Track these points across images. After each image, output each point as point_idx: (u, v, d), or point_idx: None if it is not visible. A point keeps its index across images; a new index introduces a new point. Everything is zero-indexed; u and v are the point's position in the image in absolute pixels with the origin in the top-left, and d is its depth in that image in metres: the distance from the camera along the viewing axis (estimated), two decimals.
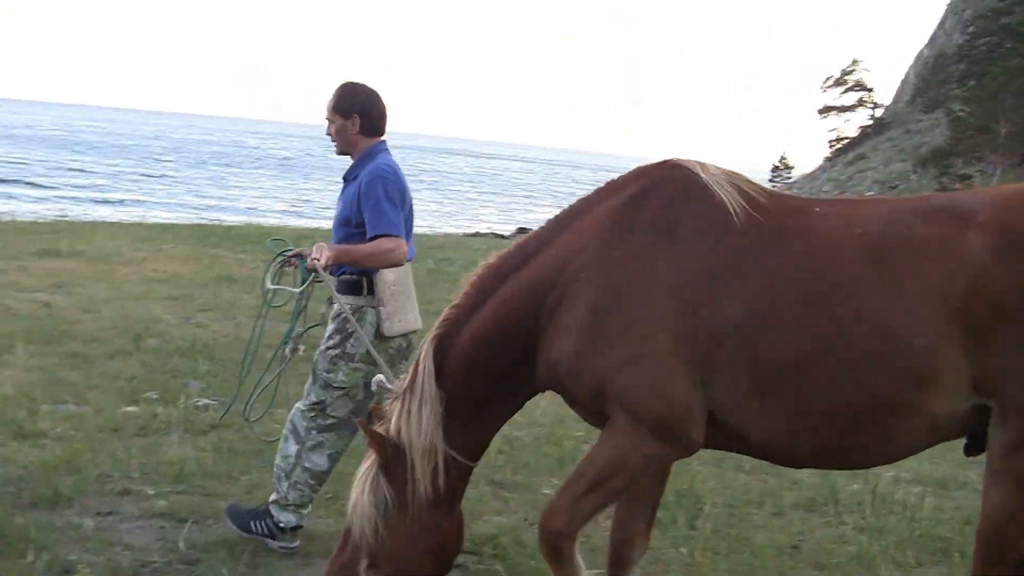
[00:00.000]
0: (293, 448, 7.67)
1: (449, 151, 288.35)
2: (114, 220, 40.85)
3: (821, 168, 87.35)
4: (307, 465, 7.64)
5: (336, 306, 7.56)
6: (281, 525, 7.67)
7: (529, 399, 6.22)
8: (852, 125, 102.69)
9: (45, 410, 10.78)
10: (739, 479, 9.88)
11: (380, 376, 6.81)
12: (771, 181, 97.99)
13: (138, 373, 12.66)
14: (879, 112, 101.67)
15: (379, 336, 7.50)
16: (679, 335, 5.45)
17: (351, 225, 7.54)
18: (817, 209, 5.75)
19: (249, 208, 65.06)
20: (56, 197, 58.82)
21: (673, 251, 5.58)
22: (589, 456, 5.88)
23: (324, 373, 7.56)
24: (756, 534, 8.44)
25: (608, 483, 5.74)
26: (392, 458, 6.05)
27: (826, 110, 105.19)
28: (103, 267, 21.80)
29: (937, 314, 5.22)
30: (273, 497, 7.74)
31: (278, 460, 7.78)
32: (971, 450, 5.69)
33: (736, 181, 5.79)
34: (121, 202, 59.83)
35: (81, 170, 79.91)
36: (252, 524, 7.72)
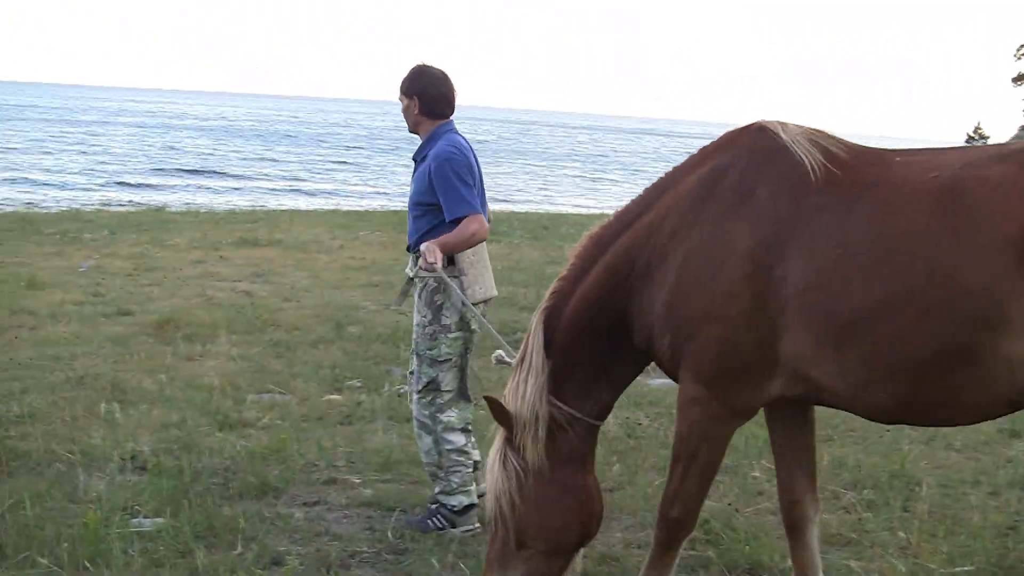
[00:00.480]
0: (428, 440, 7.82)
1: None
2: (309, 208, 41.42)
3: (1015, 137, 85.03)
4: (448, 448, 7.77)
5: (418, 282, 7.74)
6: (455, 508, 7.78)
7: (646, 362, 6.27)
8: None
9: (250, 399, 11.00)
10: (951, 458, 9.65)
11: (500, 352, 7.07)
12: None
13: (340, 361, 12.83)
14: None
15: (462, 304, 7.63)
16: (752, 299, 5.56)
17: (423, 205, 7.76)
18: (897, 159, 5.75)
19: None
20: (251, 188, 59.74)
21: (751, 215, 5.67)
22: (675, 437, 6.05)
23: (427, 351, 7.72)
24: (972, 515, 8.20)
25: (698, 459, 5.92)
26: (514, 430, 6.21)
27: (1020, 78, 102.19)
28: (301, 255, 22.19)
29: (1005, 255, 5.12)
30: (438, 488, 7.86)
31: (423, 458, 7.96)
32: None
33: (816, 138, 5.83)
34: (316, 191, 60.51)
35: (274, 160, 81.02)
36: (430, 522, 7.82)
